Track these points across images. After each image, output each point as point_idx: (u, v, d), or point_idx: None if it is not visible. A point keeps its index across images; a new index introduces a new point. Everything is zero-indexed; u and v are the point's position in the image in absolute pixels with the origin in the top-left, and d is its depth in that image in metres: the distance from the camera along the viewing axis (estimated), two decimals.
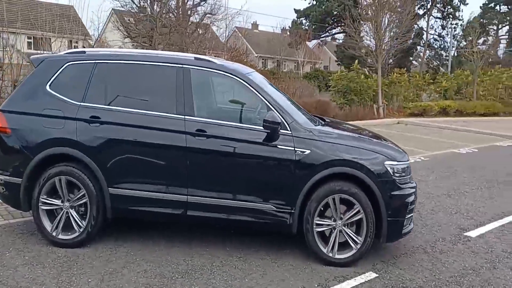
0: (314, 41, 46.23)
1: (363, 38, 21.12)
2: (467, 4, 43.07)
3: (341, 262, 4.36)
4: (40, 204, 4.43)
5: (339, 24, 39.32)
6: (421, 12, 38.76)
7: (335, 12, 37.32)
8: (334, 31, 41.77)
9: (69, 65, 4.57)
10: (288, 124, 4.36)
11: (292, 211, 4.33)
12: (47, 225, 4.46)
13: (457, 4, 39.96)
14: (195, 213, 4.40)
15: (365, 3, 38.04)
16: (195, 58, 4.64)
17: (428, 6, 39.60)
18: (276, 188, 4.35)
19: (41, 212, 4.45)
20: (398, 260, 4.60)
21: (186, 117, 4.36)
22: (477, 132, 15.17)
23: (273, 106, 4.41)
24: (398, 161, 4.41)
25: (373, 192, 4.28)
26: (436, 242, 5.14)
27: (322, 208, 4.35)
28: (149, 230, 4.97)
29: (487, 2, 52.73)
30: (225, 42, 22.73)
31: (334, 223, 4.36)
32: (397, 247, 4.87)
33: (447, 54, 40.97)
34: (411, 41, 31.27)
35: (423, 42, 40.53)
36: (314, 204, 4.30)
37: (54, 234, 4.45)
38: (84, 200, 4.42)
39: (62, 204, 4.46)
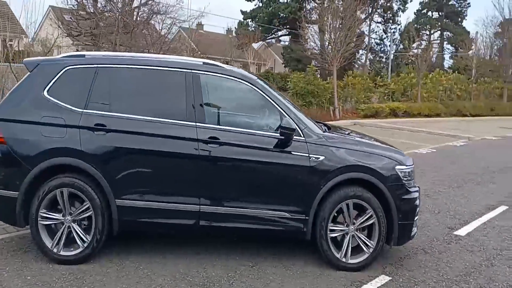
0: (260, 43, 46.54)
1: (310, 41, 21.65)
2: (406, 10, 45.16)
3: (354, 267, 4.39)
4: (39, 219, 4.12)
5: (285, 27, 39.89)
6: (363, 16, 40.12)
7: (282, 15, 37.76)
8: (280, 33, 42.24)
9: (68, 69, 4.28)
10: (301, 130, 4.33)
11: (306, 217, 4.31)
12: (47, 241, 4.15)
13: (396, 10, 41.77)
14: (208, 223, 4.27)
15: (308, 7, 39.07)
16: (204, 63, 4.50)
17: (370, 11, 41.08)
18: (291, 195, 4.31)
19: (40, 228, 4.13)
20: (404, 262, 4.71)
21: (197, 124, 4.22)
22: (428, 132, 15.95)
23: (285, 112, 4.37)
24: (406, 165, 4.52)
25: (384, 197, 4.35)
26: (432, 243, 5.32)
27: (335, 214, 4.37)
28: (150, 242, 4.76)
29: (420, 8, 55.62)
30: (189, 43, 22.08)
31: (346, 228, 4.39)
32: (399, 249, 4.99)
33: (387, 58, 42.79)
34: (353, 44, 32.42)
35: (365, 45, 42.01)
36: (328, 210, 4.31)
37: (55, 250, 4.15)
38: (88, 213, 4.16)
39: (63, 218, 4.17)
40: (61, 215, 4.17)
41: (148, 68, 4.39)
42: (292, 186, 4.31)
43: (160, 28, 14.27)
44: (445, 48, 56.75)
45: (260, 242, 4.89)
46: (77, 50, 24.86)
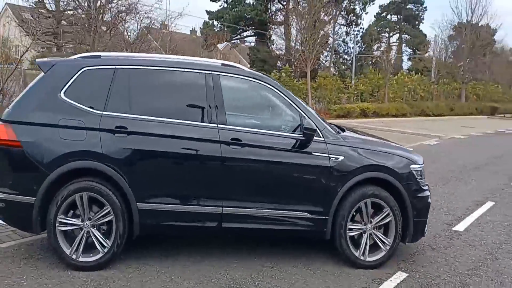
0: (224, 44, 46.41)
1: (279, 43, 21.86)
2: (368, 13, 46.18)
3: (371, 265, 4.48)
4: (57, 224, 3.97)
5: (251, 28, 40.00)
6: (327, 18, 40.76)
7: (247, 16, 37.84)
8: (245, 34, 42.32)
9: (85, 70, 4.15)
10: (320, 131, 4.39)
11: (326, 217, 4.37)
12: (65, 247, 4.02)
13: (359, 12, 42.69)
14: (230, 224, 4.25)
15: (274, 8, 39.35)
16: (222, 64, 4.48)
17: (334, 13, 41.83)
18: (311, 196, 4.35)
19: (58, 234, 3.99)
20: (415, 258, 4.85)
21: (219, 125, 4.20)
22: (400, 132, 16.42)
23: (305, 113, 4.41)
24: (419, 164, 4.66)
25: (400, 195, 4.47)
26: (435, 239, 5.49)
27: (354, 213, 4.45)
28: (164, 246, 4.69)
29: (380, 11, 57.12)
30: (168, 44, 21.54)
31: (364, 226, 4.48)
32: (408, 246, 5.10)
33: (350, 59, 43.64)
34: (318, 46, 32.80)
35: (329, 47, 42.71)
36: (348, 209, 4.38)
37: (74, 256, 4.02)
38: (109, 218, 4.04)
39: (82, 223, 4.05)
40: (80, 220, 4.05)
41: (167, 69, 4.32)
42: (313, 187, 4.35)
43: (139, 28, 14.02)
44: (403, 50, 58.51)
45: (272, 241, 4.91)
46: (39, 52, 24.03)
